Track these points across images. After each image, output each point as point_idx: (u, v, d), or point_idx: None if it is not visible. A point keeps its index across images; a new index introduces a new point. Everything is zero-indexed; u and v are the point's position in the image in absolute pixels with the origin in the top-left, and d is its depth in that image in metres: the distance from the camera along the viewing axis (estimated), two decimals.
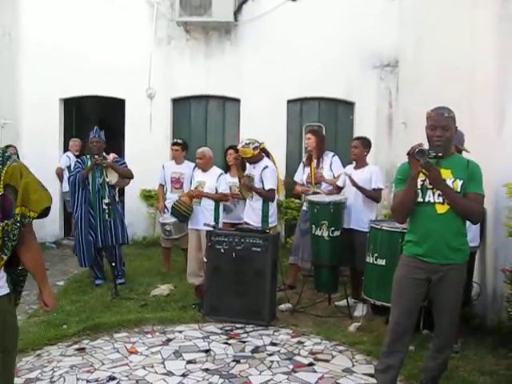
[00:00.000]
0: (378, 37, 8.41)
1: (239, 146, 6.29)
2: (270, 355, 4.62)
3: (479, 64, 5.60)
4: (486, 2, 5.50)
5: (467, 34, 5.97)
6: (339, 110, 9.08)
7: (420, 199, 3.57)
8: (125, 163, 6.76)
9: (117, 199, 6.69)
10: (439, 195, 3.53)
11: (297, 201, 8.09)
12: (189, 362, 4.45)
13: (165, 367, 4.35)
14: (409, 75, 8.22)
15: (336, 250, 5.69)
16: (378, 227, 5.01)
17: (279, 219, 7.84)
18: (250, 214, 6.32)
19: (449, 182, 3.53)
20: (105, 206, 6.41)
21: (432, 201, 3.55)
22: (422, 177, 3.54)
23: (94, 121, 11.50)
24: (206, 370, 4.30)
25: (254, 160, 6.27)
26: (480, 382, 4.20)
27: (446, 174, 3.54)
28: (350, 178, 5.83)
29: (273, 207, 6.34)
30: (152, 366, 4.35)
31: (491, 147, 5.06)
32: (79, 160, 6.77)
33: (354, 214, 5.81)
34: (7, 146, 7.47)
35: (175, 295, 6.20)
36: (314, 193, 6.34)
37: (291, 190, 7.28)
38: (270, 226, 6.18)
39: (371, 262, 5.04)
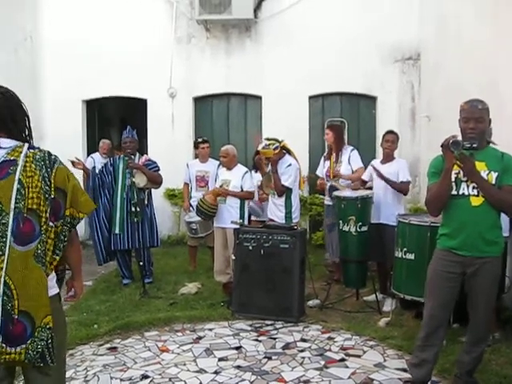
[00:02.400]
0: (398, 30, 8.35)
1: (259, 148, 6.27)
2: (301, 351, 4.61)
3: (503, 51, 5.55)
4: None
5: (490, 23, 5.92)
6: (361, 104, 9.03)
7: (454, 192, 3.53)
8: (157, 167, 6.68)
9: (146, 202, 6.66)
10: (474, 187, 3.49)
11: (321, 196, 8.06)
12: (220, 359, 4.46)
13: (197, 365, 4.36)
14: (431, 68, 8.15)
15: (364, 245, 5.67)
16: (407, 221, 4.96)
17: (303, 215, 7.84)
18: (274, 210, 6.30)
19: (483, 175, 3.49)
20: (132, 208, 6.41)
21: (466, 193, 3.51)
22: (456, 169, 3.51)
23: (116, 121, 11.62)
24: (238, 367, 4.31)
25: (276, 159, 6.26)
26: None
27: (481, 167, 3.50)
28: (376, 170, 5.80)
29: (296, 203, 6.30)
30: (184, 364, 4.37)
31: None
32: (110, 159, 6.80)
33: (382, 209, 5.77)
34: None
35: (203, 293, 6.22)
36: (332, 186, 6.33)
37: (315, 185, 7.25)
38: (293, 221, 6.15)
39: (400, 256, 4.99)
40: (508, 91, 5.42)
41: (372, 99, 8.93)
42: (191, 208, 7.23)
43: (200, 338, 4.94)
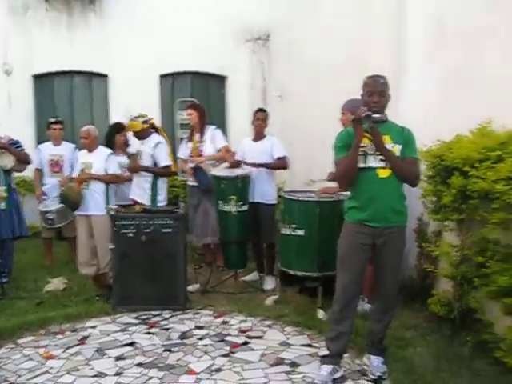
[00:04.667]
0: (248, 10, 8.29)
1: (127, 120, 5.88)
2: (201, 339, 4.41)
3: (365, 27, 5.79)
4: None
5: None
6: (212, 84, 8.92)
7: (362, 165, 3.56)
8: (21, 146, 5.94)
9: (13, 186, 5.89)
10: (381, 160, 3.54)
11: (181, 178, 7.81)
12: (117, 358, 4.09)
13: (93, 368, 3.93)
14: (282, 47, 8.26)
15: (244, 224, 5.58)
16: (295, 198, 4.97)
17: None
18: (138, 191, 5.95)
19: (389, 147, 3.56)
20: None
21: (374, 166, 3.55)
22: (363, 143, 3.53)
23: None
24: (140, 364, 3.98)
25: (144, 135, 5.91)
26: (409, 336, 4.40)
27: (386, 140, 3.56)
28: (247, 163, 5.76)
29: (163, 186, 6.03)
30: (77, 370, 3.92)
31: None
32: None
33: (258, 187, 5.73)
34: None
35: (73, 288, 5.69)
36: (197, 167, 6.14)
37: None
38: (159, 205, 5.87)
39: (288, 233, 4.99)
40: (372, 67, 5.64)
41: (223, 79, 8.85)
42: (45, 196, 6.57)
43: (85, 337, 4.49)
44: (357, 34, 6.10)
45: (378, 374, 3.77)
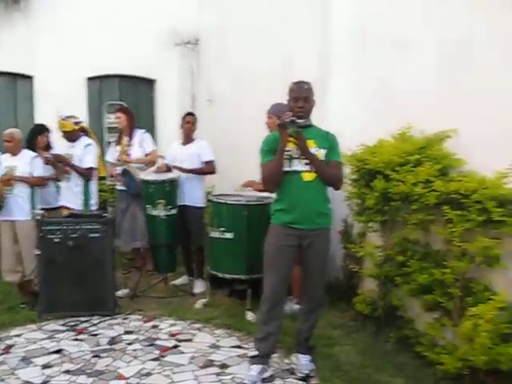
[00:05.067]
0: (178, 14, 8.23)
1: (58, 119, 5.76)
2: (130, 344, 4.39)
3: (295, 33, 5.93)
4: None
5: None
6: (140, 87, 8.81)
7: (287, 168, 3.65)
8: None
9: None
10: (306, 164, 3.65)
11: (109, 182, 7.70)
12: (44, 366, 4.01)
13: (18, 378, 3.84)
14: (212, 52, 8.29)
15: (173, 228, 5.58)
16: (223, 201, 5.02)
17: None
18: (69, 196, 5.85)
19: (313, 151, 3.67)
20: None
21: (299, 169, 3.65)
22: (289, 147, 3.63)
23: None
24: (67, 371, 3.92)
25: (74, 137, 5.81)
26: (336, 335, 4.54)
27: (310, 144, 3.67)
28: (177, 168, 5.76)
29: (94, 189, 5.94)
30: (2, 380, 3.81)
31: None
32: None
33: (187, 191, 5.74)
34: None
35: None
36: (125, 171, 6.09)
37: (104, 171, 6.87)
38: (91, 208, 5.79)
39: (217, 236, 5.04)
40: (299, 74, 5.76)
41: (151, 82, 8.78)
42: None
43: (10, 346, 4.37)
44: (285, 41, 6.22)
45: (306, 371, 3.89)
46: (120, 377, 3.81)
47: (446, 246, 4.00)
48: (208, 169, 5.80)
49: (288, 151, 3.64)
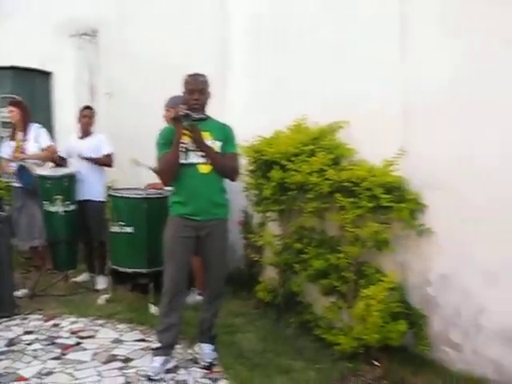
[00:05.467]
0: (74, 5, 8.03)
1: None
2: (29, 344, 4.26)
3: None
4: None
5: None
6: (36, 80, 8.50)
7: (183, 161, 3.68)
8: None
9: None
10: (202, 156, 3.69)
11: (4, 179, 7.39)
12: None
13: None
14: (111, 44, 8.11)
15: (72, 224, 5.47)
16: (122, 195, 4.99)
17: None
18: None
19: (209, 144, 3.72)
20: None
21: (195, 162, 3.69)
22: (185, 140, 3.66)
23: None
24: None
25: None
26: (237, 323, 4.65)
27: (206, 136, 3.71)
28: (80, 156, 5.65)
29: None
30: None
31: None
32: None
33: (86, 185, 5.63)
34: None
35: None
36: (22, 166, 5.89)
37: None
38: None
39: (117, 231, 5.00)
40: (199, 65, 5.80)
41: (47, 74, 8.49)
42: None
43: None
44: (185, 34, 6.23)
45: (209, 360, 3.94)
46: (20, 378, 3.69)
47: (339, 232, 4.20)
48: (105, 160, 5.72)
49: (184, 144, 3.67)
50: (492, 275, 3.52)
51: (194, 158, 3.70)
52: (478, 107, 3.52)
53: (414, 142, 3.88)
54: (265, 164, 4.56)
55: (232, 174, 3.86)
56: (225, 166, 3.77)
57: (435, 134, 3.77)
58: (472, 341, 3.70)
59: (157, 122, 4.95)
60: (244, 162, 4.58)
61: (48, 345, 4.25)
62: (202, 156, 3.69)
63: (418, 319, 3.91)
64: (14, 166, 5.81)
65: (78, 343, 4.28)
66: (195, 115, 3.64)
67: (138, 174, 5.78)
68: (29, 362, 3.94)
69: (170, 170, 3.70)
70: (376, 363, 3.86)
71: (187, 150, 3.68)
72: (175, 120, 3.62)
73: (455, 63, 3.64)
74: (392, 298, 3.76)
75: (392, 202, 3.81)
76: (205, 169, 3.71)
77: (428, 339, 3.88)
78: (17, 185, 5.99)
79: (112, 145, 5.79)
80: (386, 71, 4.08)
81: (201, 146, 3.67)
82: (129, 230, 4.91)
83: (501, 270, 3.47)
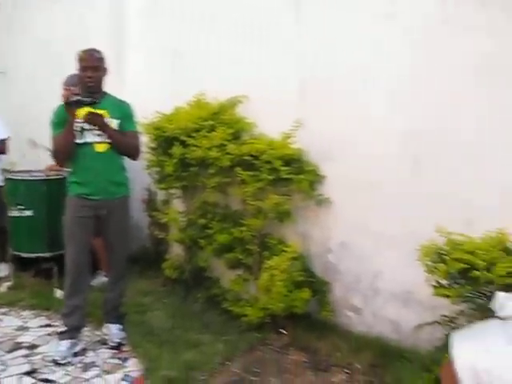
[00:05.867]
0: None
1: None
2: None
3: None
4: None
5: None
6: None
7: (79, 140, 3.59)
8: None
9: None
10: (98, 135, 3.62)
11: None
12: None
13: None
14: (3, 23, 7.68)
15: None
16: (20, 178, 4.81)
17: None
18: None
19: (106, 122, 3.64)
20: None
21: (90, 141, 3.61)
22: (80, 118, 3.57)
23: None
24: None
25: None
26: (146, 302, 4.63)
27: (104, 115, 3.63)
28: None
29: None
30: None
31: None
32: None
33: None
34: None
35: None
36: None
37: None
38: None
39: (17, 215, 4.83)
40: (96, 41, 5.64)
41: None
42: None
43: None
44: (79, 10, 6.02)
45: (117, 340, 3.92)
46: None
47: (242, 205, 4.26)
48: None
49: (80, 123, 3.57)
50: (386, 241, 3.70)
51: (90, 137, 3.61)
52: (370, 84, 3.66)
53: (311, 116, 3.98)
54: (165, 141, 4.52)
55: (134, 152, 3.81)
56: (126, 145, 3.71)
57: (330, 109, 3.89)
58: (371, 304, 3.90)
59: (54, 102, 4.80)
60: (145, 140, 4.52)
61: None
62: (99, 135, 3.62)
63: (320, 286, 4.06)
64: None
65: None
66: (86, 100, 3.54)
67: (37, 155, 5.58)
68: None
69: (65, 150, 3.60)
70: (283, 331, 3.99)
71: (82, 130, 3.59)
72: (67, 105, 3.52)
73: (347, 38, 3.76)
74: (295, 268, 3.87)
75: (291, 174, 3.90)
76: (101, 147, 3.63)
77: (331, 305, 4.04)
78: None
79: (8, 128, 5.52)
80: (283, 46, 4.15)
81: (97, 124, 3.58)
82: (28, 213, 4.77)
83: (395, 236, 3.65)
